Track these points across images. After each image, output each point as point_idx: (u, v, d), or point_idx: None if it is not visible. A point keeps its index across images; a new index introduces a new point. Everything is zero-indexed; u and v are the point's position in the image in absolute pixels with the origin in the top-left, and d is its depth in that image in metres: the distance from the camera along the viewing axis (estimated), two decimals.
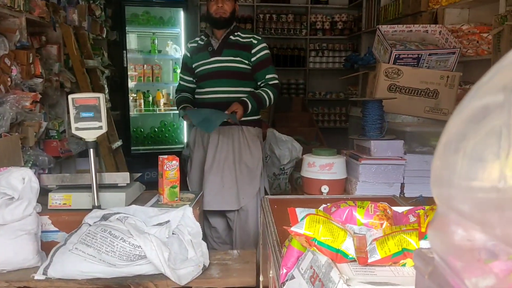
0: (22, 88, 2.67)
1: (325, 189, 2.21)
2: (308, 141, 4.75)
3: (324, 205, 1.04)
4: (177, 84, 5.37)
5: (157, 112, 5.69)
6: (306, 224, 0.79)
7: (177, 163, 2.21)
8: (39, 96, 2.74)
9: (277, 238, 1.16)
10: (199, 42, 2.90)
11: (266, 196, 1.55)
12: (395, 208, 0.98)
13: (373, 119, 2.28)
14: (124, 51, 5.26)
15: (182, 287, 1.79)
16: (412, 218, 0.90)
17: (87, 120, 1.89)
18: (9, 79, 2.50)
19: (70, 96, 1.87)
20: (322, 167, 2.23)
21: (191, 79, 2.94)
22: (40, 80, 2.84)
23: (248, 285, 1.85)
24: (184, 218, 2.00)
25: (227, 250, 2.23)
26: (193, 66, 2.87)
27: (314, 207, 1.46)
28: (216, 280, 1.82)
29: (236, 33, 2.81)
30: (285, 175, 3.59)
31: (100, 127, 1.91)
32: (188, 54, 2.92)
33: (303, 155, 2.34)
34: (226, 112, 2.62)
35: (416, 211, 0.92)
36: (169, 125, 5.79)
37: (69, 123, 3.59)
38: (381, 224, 0.87)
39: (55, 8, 3.33)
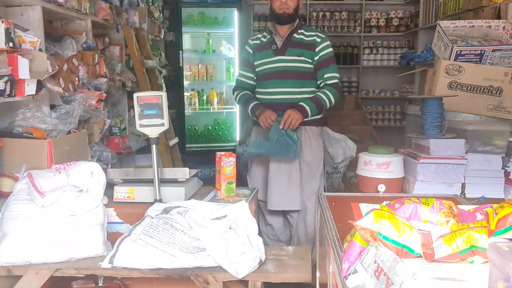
0: (88, 87, 2.83)
1: (381, 188, 2.18)
2: (361, 140, 4.69)
3: (386, 202, 1.04)
4: (231, 83, 5.45)
5: (211, 111, 5.81)
6: (371, 218, 0.80)
7: (234, 160, 2.26)
8: (104, 95, 2.89)
9: (337, 234, 1.17)
10: (262, 39, 2.85)
11: (323, 193, 1.56)
12: (460, 206, 0.96)
13: (432, 117, 2.22)
14: (180, 51, 5.41)
15: (239, 280, 1.84)
16: (479, 216, 0.89)
17: (151, 117, 1.97)
18: (76, 78, 2.65)
19: (135, 95, 1.96)
20: (379, 166, 2.21)
21: (252, 75, 2.89)
22: (105, 79, 2.99)
23: (304, 281, 1.87)
24: (240, 213, 2.05)
25: (282, 246, 2.26)
26: (255, 63, 2.84)
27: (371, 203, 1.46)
28: (272, 275, 1.85)
29: (300, 31, 2.76)
30: (339, 174, 3.56)
31: (163, 124, 2.00)
32: (251, 51, 2.88)
33: (359, 153, 2.32)
34: (280, 126, 2.59)
35: (484, 209, 0.90)
36: (222, 123, 5.90)
37: (129, 121, 3.76)
38: (447, 222, 0.86)
39: (118, 10, 3.49)
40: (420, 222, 0.88)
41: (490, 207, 0.90)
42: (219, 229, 1.90)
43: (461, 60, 2.51)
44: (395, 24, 6.32)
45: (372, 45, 6.41)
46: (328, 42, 2.78)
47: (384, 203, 1.04)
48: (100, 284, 2.15)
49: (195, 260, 1.84)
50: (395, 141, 6.02)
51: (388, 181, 2.20)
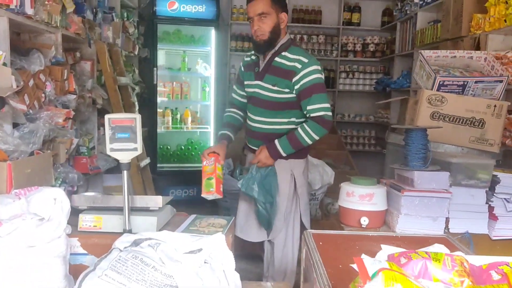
0: (56, 105, 2.65)
1: (364, 221, 2.10)
2: (337, 165, 4.64)
3: (388, 253, 0.93)
4: (206, 102, 5.34)
5: (184, 130, 5.67)
6: (381, 281, 0.69)
7: (214, 159, 2.41)
8: (72, 113, 2.72)
9: (328, 283, 1.06)
10: (252, 57, 2.67)
11: (309, 230, 1.45)
12: (470, 260, 0.87)
13: (417, 149, 2.17)
14: (155, 68, 5.27)
15: None
16: (495, 276, 0.79)
17: (123, 141, 1.83)
18: (43, 95, 2.48)
19: (106, 116, 1.82)
20: (362, 197, 2.12)
21: (243, 93, 2.70)
22: (74, 96, 2.82)
23: None
24: (216, 246, 1.91)
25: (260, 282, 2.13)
26: (245, 82, 2.67)
27: (363, 246, 1.36)
28: None
29: (284, 53, 2.46)
30: (316, 201, 3.48)
31: (135, 149, 1.85)
32: (242, 68, 2.72)
33: (341, 184, 2.23)
34: (251, 166, 2.50)
35: (499, 267, 0.81)
36: (196, 143, 5.75)
37: (99, 139, 3.58)
38: (462, 282, 0.76)
39: (90, 24, 3.34)
40: (431, 282, 0.78)
41: (506, 264, 0.81)
42: (193, 264, 1.76)
43: (444, 90, 2.48)
44: (371, 49, 6.38)
45: (348, 70, 6.44)
46: (314, 67, 2.41)
47: (384, 254, 0.93)
48: None
49: None
50: (371, 167, 6.03)
51: (371, 213, 2.12)
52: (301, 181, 2.59)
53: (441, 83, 2.47)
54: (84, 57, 3.36)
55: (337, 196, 2.28)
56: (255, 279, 2.92)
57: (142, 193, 3.83)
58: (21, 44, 2.65)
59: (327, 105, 2.42)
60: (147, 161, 4.21)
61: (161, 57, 5.60)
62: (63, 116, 2.59)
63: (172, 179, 5.43)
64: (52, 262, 1.78)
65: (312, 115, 2.41)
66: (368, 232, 1.52)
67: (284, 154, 2.45)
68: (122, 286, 1.67)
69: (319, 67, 2.44)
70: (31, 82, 2.29)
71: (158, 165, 5.43)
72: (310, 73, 2.40)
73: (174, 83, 5.61)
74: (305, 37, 6.30)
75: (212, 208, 3.63)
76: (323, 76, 2.46)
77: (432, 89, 2.49)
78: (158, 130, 5.43)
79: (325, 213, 3.52)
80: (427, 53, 2.71)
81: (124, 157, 1.87)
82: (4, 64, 2.01)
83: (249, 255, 3.34)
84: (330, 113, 2.42)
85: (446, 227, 2.13)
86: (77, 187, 2.92)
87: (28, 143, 2.14)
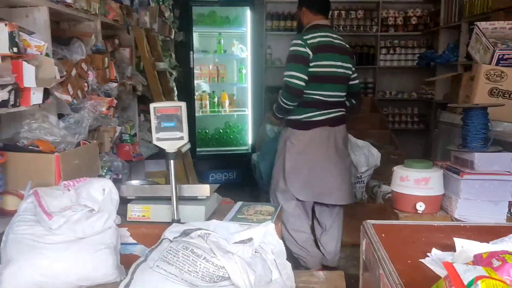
0: (98, 93, 2.65)
1: (420, 206, 1.99)
2: (381, 145, 4.48)
3: (468, 249, 0.84)
4: (243, 85, 5.33)
5: (222, 113, 5.63)
6: None
7: None
8: (115, 101, 2.70)
9: (400, 282, 0.98)
10: None
11: (369, 221, 1.37)
12: None
13: (476, 129, 2.02)
14: (191, 52, 5.23)
15: None
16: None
17: (169, 130, 1.79)
18: (86, 84, 2.47)
19: (152, 105, 1.78)
20: (417, 182, 2.01)
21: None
22: (115, 84, 2.81)
23: None
24: (266, 235, 1.86)
25: (312, 271, 2.07)
26: None
27: (431, 238, 1.26)
28: None
29: None
30: (362, 184, 3.37)
31: (182, 138, 1.81)
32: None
33: (395, 168, 2.12)
34: None
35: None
36: (234, 127, 5.71)
37: (140, 126, 3.58)
38: None
39: (128, 10, 3.30)
40: None
41: None
42: (244, 254, 1.71)
43: (503, 64, 2.30)
44: (413, 23, 6.10)
45: (389, 45, 6.19)
46: (291, 43, 2.77)
47: (462, 248, 0.84)
48: None
49: None
50: (415, 146, 5.84)
51: (427, 198, 2.01)
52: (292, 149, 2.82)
53: (500, 56, 2.29)
54: (122, 44, 3.34)
55: (384, 178, 2.20)
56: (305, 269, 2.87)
57: (183, 178, 3.83)
58: (61, 33, 2.64)
59: (290, 72, 2.70)
60: (188, 146, 4.19)
61: (197, 40, 5.54)
62: (106, 105, 2.58)
63: (211, 163, 5.43)
64: (103, 253, 1.78)
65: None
66: (433, 222, 1.42)
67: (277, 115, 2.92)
68: (174, 277, 1.65)
69: (295, 41, 2.74)
70: (73, 72, 2.27)
71: (197, 149, 5.43)
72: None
73: (211, 66, 5.56)
74: (343, 12, 6.08)
75: (252, 192, 3.59)
76: (295, 48, 2.72)
77: (490, 64, 2.31)
78: (196, 114, 5.41)
79: (371, 196, 3.41)
80: (483, 24, 2.52)
81: (171, 146, 1.83)
82: (47, 54, 1.99)
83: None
84: (290, 79, 2.69)
85: (509, 211, 2.00)
86: (122, 175, 2.93)
87: (74, 134, 2.14)
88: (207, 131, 5.67)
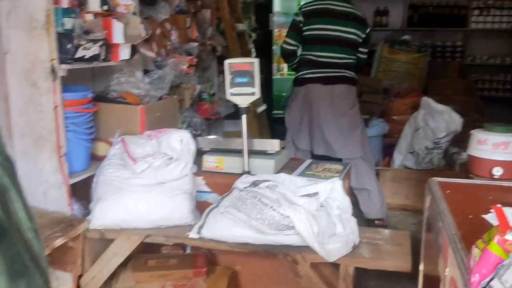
0: (180, 52, 2.79)
1: (497, 171, 1.91)
2: (465, 112, 4.24)
3: None
4: None
5: None
6: None
7: None
8: (195, 60, 2.84)
9: (457, 233, 0.99)
10: None
11: (434, 178, 1.36)
12: None
13: None
14: (271, 14, 5.24)
15: (329, 263, 1.73)
16: None
17: (242, 85, 1.87)
18: (168, 43, 2.62)
19: (226, 61, 1.86)
20: (496, 146, 1.93)
21: None
22: (196, 44, 2.94)
23: (402, 270, 1.70)
24: (332, 191, 1.91)
25: (378, 229, 2.09)
26: None
27: (498, 197, 1.24)
28: (366, 260, 1.71)
29: None
30: (440, 150, 3.25)
31: (253, 93, 1.89)
32: None
33: (472, 131, 2.04)
34: None
35: None
36: None
37: (219, 86, 3.71)
38: None
39: None
40: None
41: None
42: (309, 207, 1.78)
43: None
44: None
45: (482, 5, 5.72)
46: None
47: None
48: (188, 251, 2.16)
49: (284, 238, 1.74)
50: (504, 114, 5.43)
51: (505, 163, 1.92)
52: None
53: None
54: (204, 5, 3.44)
55: (465, 145, 2.12)
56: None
57: (258, 138, 3.93)
58: None
59: (284, 38, 3.12)
60: (263, 107, 4.28)
61: (277, 2, 5.52)
62: (186, 63, 2.72)
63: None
64: (180, 198, 1.94)
65: None
66: (503, 182, 1.37)
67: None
68: (242, 222, 1.77)
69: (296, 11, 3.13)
70: (158, 31, 2.42)
71: (274, 111, 5.50)
72: None
73: None
74: None
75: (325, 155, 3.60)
76: (293, 17, 3.08)
77: None
78: (274, 77, 5.46)
79: (449, 163, 3.28)
80: None
81: (243, 101, 1.91)
82: (134, 13, 2.14)
83: None
84: (282, 44, 3.11)
85: None
86: (200, 131, 3.09)
87: (157, 88, 2.30)
88: (284, 94, 5.71)
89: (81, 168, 1.98)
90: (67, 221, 1.81)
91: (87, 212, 1.94)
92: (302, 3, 5.38)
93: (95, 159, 2.07)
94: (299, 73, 3.03)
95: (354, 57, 3.00)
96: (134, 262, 1.97)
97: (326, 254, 1.68)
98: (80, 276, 1.87)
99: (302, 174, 2.09)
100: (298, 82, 3.04)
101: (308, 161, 2.29)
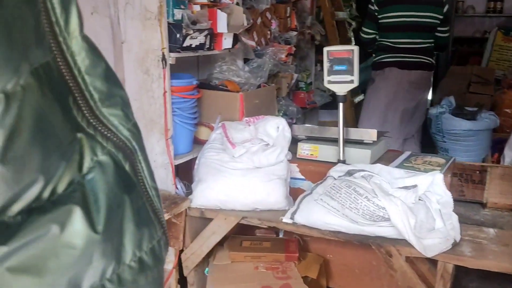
0: (279, 41, 2.83)
1: None
2: None
3: None
4: None
5: None
6: None
7: None
8: (293, 49, 2.86)
9: None
10: None
11: None
12: None
13: None
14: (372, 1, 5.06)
15: (427, 259, 1.66)
16: None
17: (340, 73, 1.86)
18: (268, 32, 2.67)
19: (325, 49, 1.86)
20: None
21: None
22: (295, 33, 2.96)
23: (507, 272, 1.59)
24: (433, 184, 1.82)
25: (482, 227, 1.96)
26: None
27: None
28: (467, 259, 1.62)
29: None
30: None
31: (352, 81, 1.87)
32: None
33: None
34: None
35: None
36: None
37: (316, 75, 3.71)
38: None
39: None
40: None
41: None
42: (406, 199, 1.73)
43: None
44: None
45: None
46: None
47: None
48: (280, 236, 2.22)
49: (378, 229, 1.72)
50: None
51: None
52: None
53: None
54: None
55: None
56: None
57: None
58: None
59: (362, 28, 3.32)
60: (361, 97, 4.18)
61: None
62: (285, 52, 2.76)
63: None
64: (275, 183, 1.99)
65: None
66: None
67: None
68: (335, 211, 1.77)
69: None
70: (258, 20, 2.49)
71: None
72: None
73: None
74: None
75: (428, 147, 3.44)
76: (369, 6, 3.24)
77: None
78: None
79: None
80: None
81: (341, 89, 1.90)
82: (237, 3, 2.22)
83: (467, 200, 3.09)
84: (361, 34, 3.33)
85: None
86: (296, 120, 3.13)
87: (256, 77, 2.37)
88: None
89: (185, 151, 2.12)
90: (172, 198, 1.96)
91: (189, 191, 2.07)
92: None
93: (198, 142, 2.20)
94: (377, 58, 3.23)
95: (432, 40, 3.10)
96: (230, 242, 2.07)
97: (423, 249, 1.62)
98: (181, 251, 2.01)
99: (400, 166, 2.03)
100: (376, 66, 3.23)
101: (407, 153, 2.22)
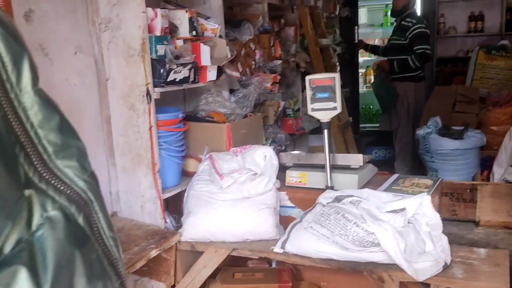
0: (264, 70, 2.88)
1: None
2: None
3: None
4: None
5: None
6: None
7: None
8: (279, 77, 2.90)
9: None
10: None
11: None
12: None
13: None
14: (356, 27, 5.19)
15: (419, 283, 1.65)
16: None
17: (323, 100, 1.88)
18: (253, 62, 2.71)
19: (307, 78, 1.90)
20: None
21: None
22: (280, 61, 3.01)
23: None
24: (421, 207, 1.83)
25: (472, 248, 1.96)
26: None
27: None
28: (459, 281, 1.61)
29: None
30: None
31: (335, 108, 1.89)
32: None
33: None
34: None
35: None
36: None
37: (303, 101, 3.75)
38: None
39: None
40: None
41: None
42: (395, 223, 1.73)
43: None
44: None
45: None
46: (418, 25, 4.13)
47: None
48: (273, 265, 2.19)
49: (369, 254, 1.71)
50: None
51: None
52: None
53: None
54: (288, 23, 3.52)
55: None
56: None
57: (344, 152, 3.89)
58: (233, 16, 2.93)
59: (428, 46, 4.13)
60: (349, 120, 4.23)
61: (362, 15, 5.47)
62: (270, 81, 2.80)
63: (374, 139, 5.36)
64: (265, 212, 1.99)
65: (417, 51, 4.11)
66: None
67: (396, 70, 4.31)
68: (325, 238, 1.76)
69: (422, 24, 4.17)
70: (242, 51, 2.53)
71: (361, 125, 5.41)
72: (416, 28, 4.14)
73: (376, 40, 5.44)
74: None
75: (417, 168, 3.46)
76: (425, 30, 4.17)
77: None
78: (360, 90, 5.38)
79: None
80: None
81: (325, 116, 1.93)
82: (220, 36, 2.26)
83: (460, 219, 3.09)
84: (429, 52, 4.16)
85: None
86: (285, 147, 3.14)
87: (242, 107, 2.39)
88: (371, 107, 5.60)
89: (174, 184, 2.11)
90: (161, 233, 1.94)
91: (178, 225, 2.06)
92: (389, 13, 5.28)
93: (186, 175, 2.20)
94: (417, 72, 4.24)
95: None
96: (222, 275, 2.04)
97: (414, 273, 1.61)
98: (173, 287, 1.98)
99: (388, 189, 2.03)
100: (417, 78, 4.29)
101: (395, 176, 2.23)
